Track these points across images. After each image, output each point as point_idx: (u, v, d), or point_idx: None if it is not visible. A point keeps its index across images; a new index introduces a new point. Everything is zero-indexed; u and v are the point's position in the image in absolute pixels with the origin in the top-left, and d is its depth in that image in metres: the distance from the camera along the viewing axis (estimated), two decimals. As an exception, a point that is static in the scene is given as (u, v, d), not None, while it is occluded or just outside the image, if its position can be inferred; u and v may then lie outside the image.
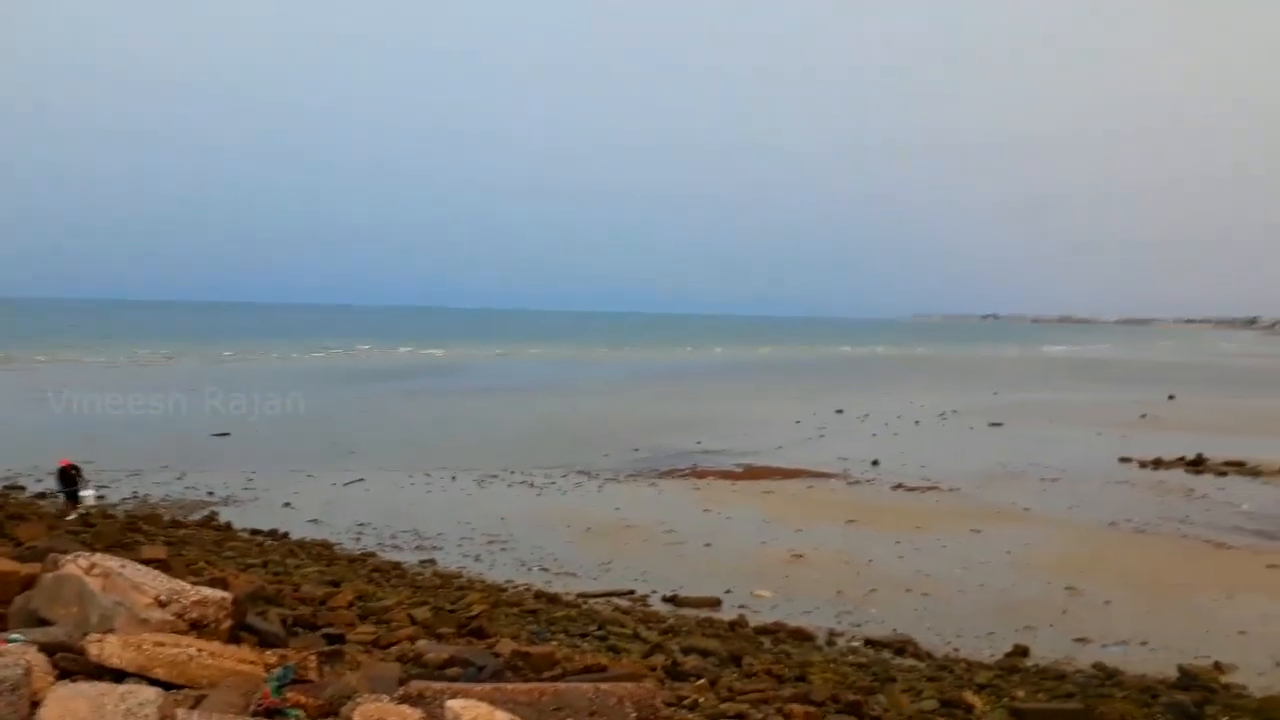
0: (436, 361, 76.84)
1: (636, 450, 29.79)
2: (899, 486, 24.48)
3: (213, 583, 9.49)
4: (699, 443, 31.62)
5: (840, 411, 42.04)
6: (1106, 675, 11.69)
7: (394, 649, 8.98)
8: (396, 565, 16.00)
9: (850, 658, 12.23)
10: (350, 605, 11.73)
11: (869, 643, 13.00)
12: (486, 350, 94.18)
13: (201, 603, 7.00)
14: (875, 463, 27.92)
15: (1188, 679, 11.35)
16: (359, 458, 27.09)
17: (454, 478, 24.42)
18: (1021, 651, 12.62)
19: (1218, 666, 12.00)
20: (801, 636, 13.14)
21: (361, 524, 19.19)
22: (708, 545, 18.10)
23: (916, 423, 39.01)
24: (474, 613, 12.14)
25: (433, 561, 16.56)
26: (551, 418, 38.65)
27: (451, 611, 12.31)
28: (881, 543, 18.49)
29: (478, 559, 16.90)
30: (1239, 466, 28.01)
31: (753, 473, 26.23)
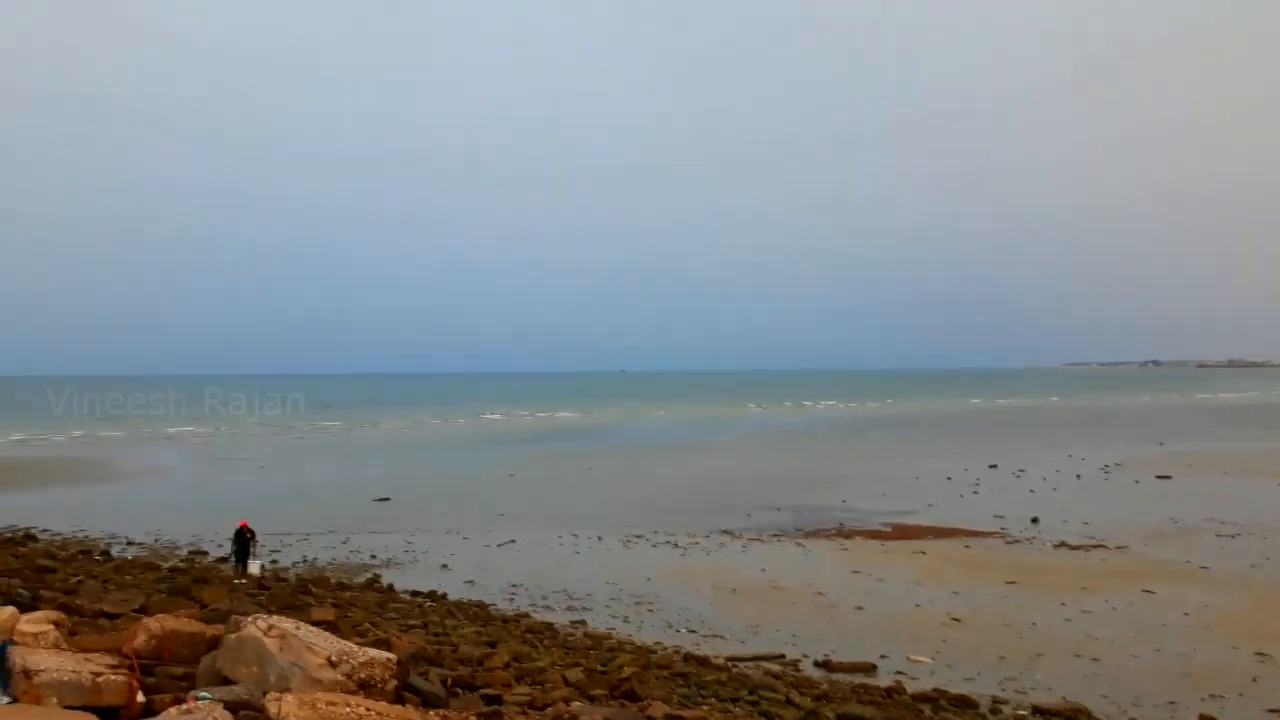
0: (569, 424, 78.26)
1: (779, 509, 29.42)
2: (1061, 545, 23.25)
3: (377, 644, 9.92)
4: (843, 501, 30.97)
5: (994, 467, 40.41)
6: (1309, 752, 10.68)
7: (549, 710, 9.10)
8: (549, 626, 16.23)
9: (1017, 727, 11.60)
10: (506, 666, 11.96)
11: (1037, 711, 12.28)
12: (615, 411, 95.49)
13: (369, 663, 7.37)
14: (1035, 520, 26.63)
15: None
16: (509, 519, 27.82)
17: (600, 538, 24.70)
18: (1208, 723, 11.67)
19: None
20: (964, 704, 12.55)
21: (514, 585, 19.61)
22: (859, 608, 17.60)
23: (1078, 477, 37.06)
24: (625, 675, 12.17)
25: (583, 622, 16.72)
26: (689, 476, 38.71)
27: (603, 673, 12.38)
28: (1045, 605, 17.53)
29: (626, 620, 16.96)
30: None
31: (903, 532, 25.44)
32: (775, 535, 25.20)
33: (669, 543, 24.08)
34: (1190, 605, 17.32)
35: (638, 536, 24.90)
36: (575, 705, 9.51)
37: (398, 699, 7.43)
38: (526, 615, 17.01)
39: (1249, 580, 19.34)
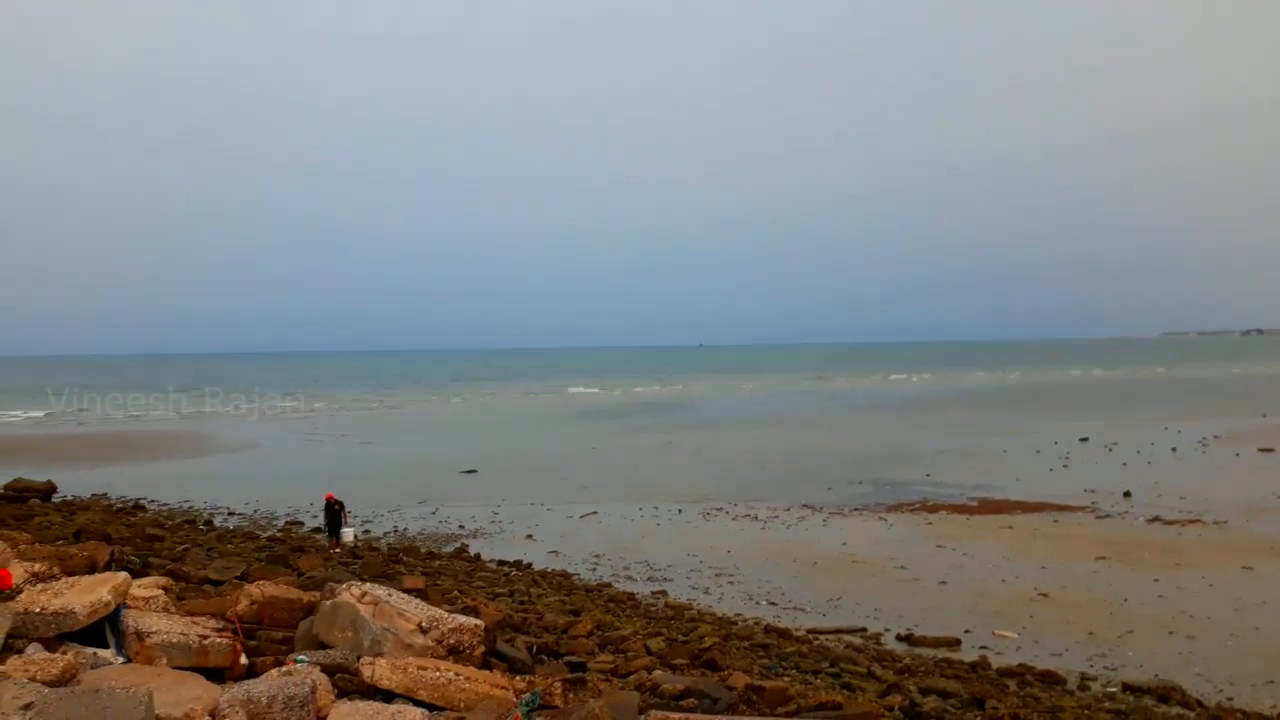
0: (650, 398, 78.58)
1: (860, 483, 29.17)
2: (1155, 520, 22.55)
3: (466, 611, 10.23)
4: (928, 475, 30.52)
5: (1085, 439, 39.28)
6: None
7: (632, 678, 9.29)
8: (631, 596, 16.50)
9: (1107, 704, 11.37)
10: (590, 634, 12.21)
11: (1127, 688, 12.03)
12: (695, 385, 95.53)
13: (458, 630, 7.62)
14: (1127, 494, 25.87)
15: None
16: (592, 492, 28.23)
17: (680, 510, 24.89)
18: (1311, 704, 11.28)
19: None
20: (1051, 680, 12.36)
21: (597, 555, 19.95)
22: (943, 582, 17.41)
23: (1174, 450, 35.78)
24: (706, 645, 12.31)
25: (664, 593, 16.94)
26: (769, 450, 38.61)
27: (684, 643, 12.54)
28: (1137, 581, 17.08)
29: (707, 591, 17.11)
30: None
31: (989, 506, 24.99)
32: (857, 509, 25.02)
33: (749, 516, 24.13)
34: (1294, 583, 16.68)
35: (718, 509, 25.01)
36: (657, 674, 9.67)
37: (485, 664, 7.66)
38: (609, 585, 17.32)
39: (1359, 558, 18.49)
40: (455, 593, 14.18)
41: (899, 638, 14.35)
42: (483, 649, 7.77)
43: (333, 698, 6.31)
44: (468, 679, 6.73)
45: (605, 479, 30.88)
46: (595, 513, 24.70)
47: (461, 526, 23.30)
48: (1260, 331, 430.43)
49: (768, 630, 14.46)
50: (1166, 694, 11.70)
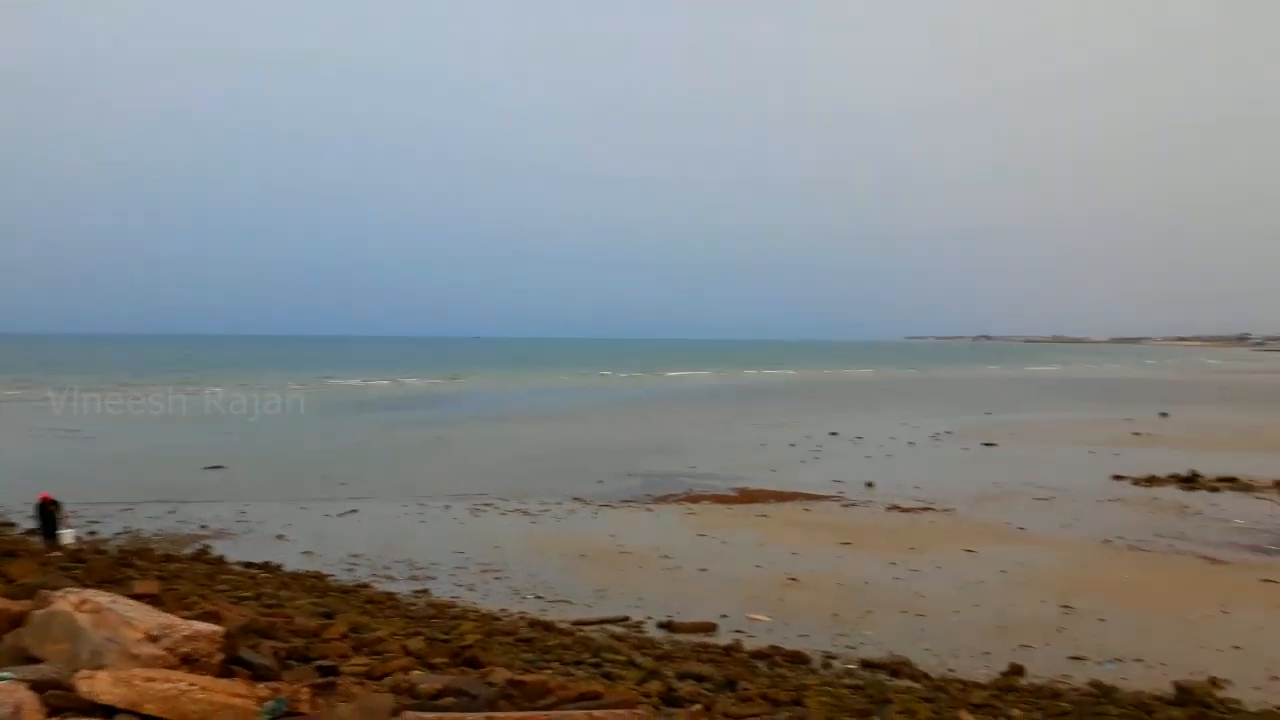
0: (422, 391, 76.61)
1: (630, 476, 29.78)
2: (894, 508, 24.48)
3: (204, 616, 9.45)
4: (693, 467, 31.62)
5: (834, 434, 42.09)
6: (1102, 693, 11.66)
7: (388, 680, 8.94)
8: (390, 596, 15.92)
9: (846, 680, 12.19)
10: (344, 637, 11.66)
11: (865, 664, 12.95)
12: (469, 378, 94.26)
13: (193, 637, 7.00)
14: (870, 484, 27.92)
15: (1184, 695, 11.34)
16: (352, 488, 27.03)
17: (447, 507, 24.34)
18: (1017, 671, 12.59)
19: (1213, 682, 11.97)
20: (798, 660, 13.10)
21: (355, 555, 19.10)
22: (703, 570, 18.05)
23: (910, 444, 39.07)
24: (467, 642, 12.10)
25: (426, 592, 16.48)
26: (542, 444, 38.62)
27: (445, 641, 12.25)
28: (877, 564, 18.47)
29: (472, 588, 16.82)
30: (1231, 482, 28.09)
31: (748, 496, 26.20)
32: (626, 501, 25.49)
33: (519, 511, 23.98)
34: (1007, 563, 18.60)
35: (487, 505, 24.68)
36: (415, 674, 9.37)
37: (225, 672, 7.11)
38: (367, 586, 16.63)
39: (1059, 540, 20.90)
40: (194, 598, 13.12)
41: (660, 625, 14.72)
42: (222, 656, 7.19)
43: (42, 717, 5.62)
44: (203, 689, 6.20)
45: (368, 475, 29.65)
46: (355, 511, 23.65)
47: (204, 526, 21.61)
48: (988, 338, 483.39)
49: (532, 625, 14.39)
50: (898, 668, 12.72)
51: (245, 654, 8.09)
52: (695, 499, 25.81)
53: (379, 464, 32.63)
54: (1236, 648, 13.55)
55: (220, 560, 18.22)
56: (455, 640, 12.34)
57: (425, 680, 8.88)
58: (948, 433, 43.22)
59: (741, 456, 34.40)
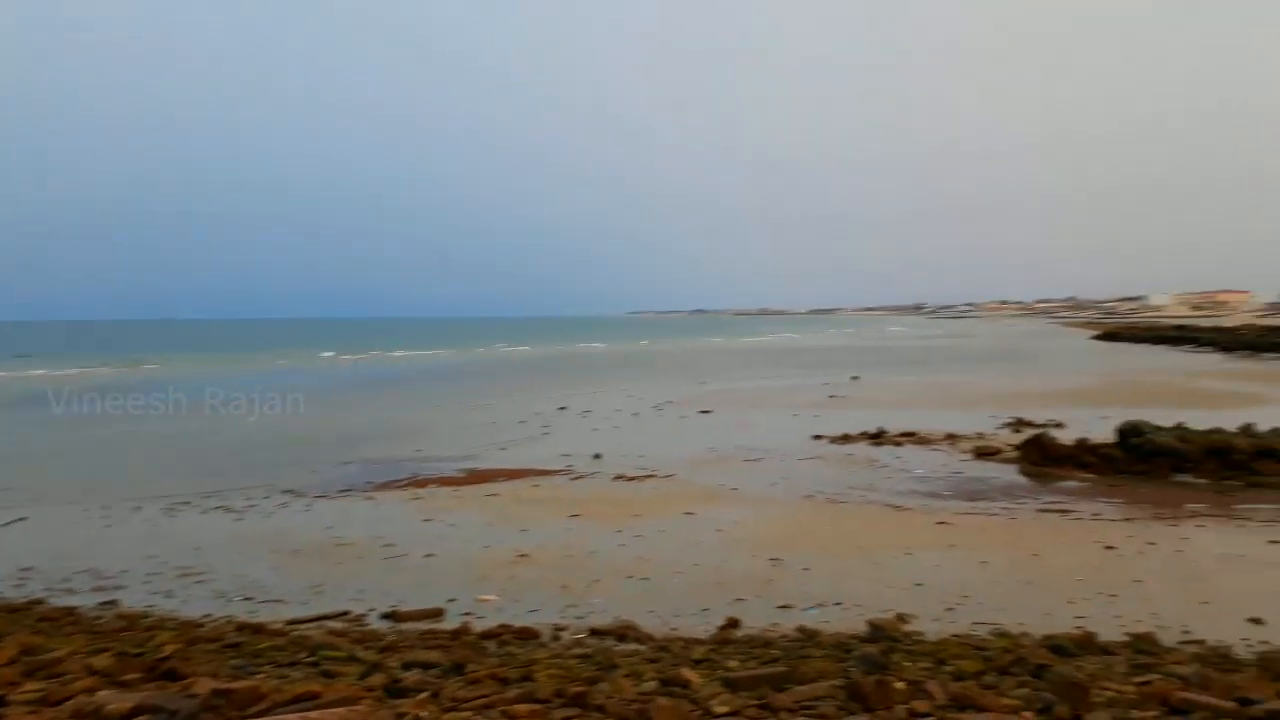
0: (102, 379, 68.34)
1: (348, 463, 28.32)
2: (619, 477, 25.00)
3: None
4: (418, 450, 30.64)
5: (563, 408, 42.47)
6: (807, 637, 12.44)
7: (68, 704, 7.93)
8: (70, 610, 14.08)
9: (575, 650, 12.18)
10: (13, 662, 10.17)
11: (594, 632, 13.04)
12: (162, 364, 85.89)
13: None
14: (597, 456, 28.36)
15: (876, 632, 12.32)
16: (19, 493, 23.67)
17: (138, 508, 21.92)
18: (733, 624, 13.18)
19: (900, 617, 13.14)
20: (527, 636, 12.95)
21: (25, 569, 16.72)
22: (429, 555, 17.47)
23: (635, 415, 40.20)
24: (165, 654, 10.91)
25: (115, 603, 14.72)
26: (248, 434, 35.82)
27: (139, 655, 10.97)
28: (604, 533, 18.74)
29: (169, 595, 15.24)
30: (912, 436, 31.26)
31: (476, 476, 25.76)
32: (344, 491, 24.17)
33: (222, 508, 22.04)
34: (723, 523, 19.51)
35: (184, 503, 22.48)
36: (102, 694, 8.30)
37: None
38: (40, 602, 14.63)
39: (769, 498, 22.24)
40: None
41: (383, 616, 14.05)
42: None
43: None
44: None
45: (39, 478, 26.09)
46: (24, 519, 20.73)
47: None
48: (704, 311, 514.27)
49: (240, 628, 13.25)
50: (624, 633, 12.91)
51: None
52: (421, 484, 24.99)
53: (51, 465, 28.87)
54: (918, 585, 14.96)
55: None
56: (151, 653, 11.09)
57: (114, 700, 7.90)
58: (669, 402, 44.92)
59: (470, 437, 33.81)
